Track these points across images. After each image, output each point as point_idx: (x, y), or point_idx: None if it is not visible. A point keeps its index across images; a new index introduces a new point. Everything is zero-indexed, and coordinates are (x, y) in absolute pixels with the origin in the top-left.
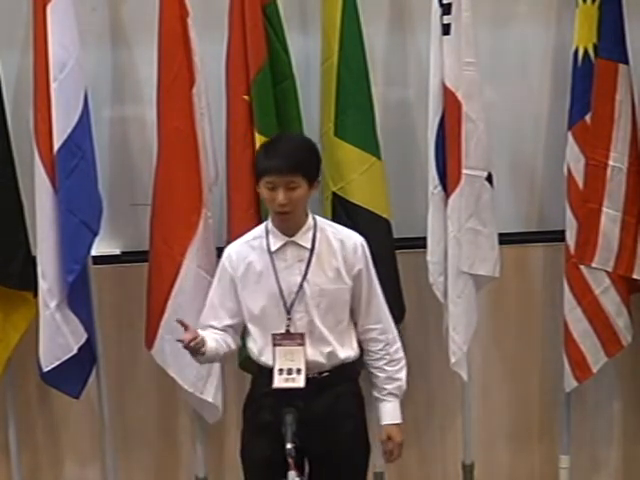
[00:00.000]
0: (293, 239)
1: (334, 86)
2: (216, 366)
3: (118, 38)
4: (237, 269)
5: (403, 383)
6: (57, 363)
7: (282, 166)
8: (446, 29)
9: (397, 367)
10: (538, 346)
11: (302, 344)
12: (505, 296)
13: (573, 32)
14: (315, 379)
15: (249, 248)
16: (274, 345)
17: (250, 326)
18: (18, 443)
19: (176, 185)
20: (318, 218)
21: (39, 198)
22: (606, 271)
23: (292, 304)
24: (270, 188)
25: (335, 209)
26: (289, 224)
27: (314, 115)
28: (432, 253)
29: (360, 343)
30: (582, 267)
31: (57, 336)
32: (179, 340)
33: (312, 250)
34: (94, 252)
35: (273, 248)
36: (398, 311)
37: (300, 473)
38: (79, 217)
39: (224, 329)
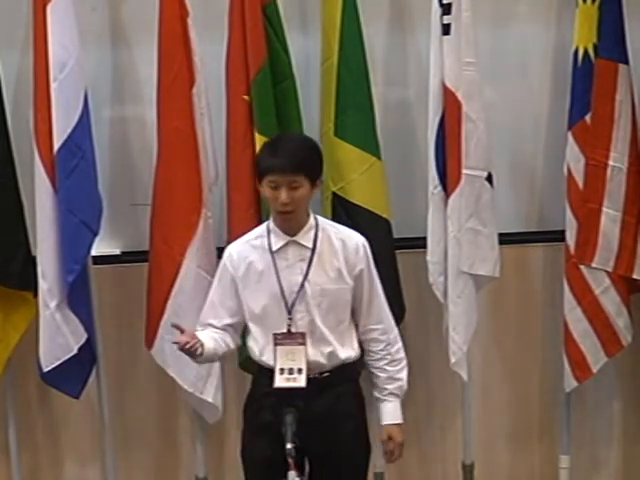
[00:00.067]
0: (295, 239)
1: (334, 86)
2: (216, 366)
3: (118, 38)
4: (238, 268)
5: (404, 383)
6: (57, 363)
7: (285, 165)
8: (446, 29)
9: (398, 367)
10: (538, 346)
11: (303, 344)
12: (505, 296)
13: (573, 32)
14: (316, 379)
15: (250, 247)
16: (275, 345)
17: (251, 325)
18: (18, 443)
19: (176, 185)
20: (320, 218)
21: (39, 198)
22: (606, 271)
23: (293, 304)
24: (273, 187)
25: (335, 209)
26: (291, 223)
27: (314, 115)
28: (432, 253)
29: (361, 343)
30: (582, 267)
31: (57, 336)
32: (175, 342)
33: (313, 250)
34: (94, 252)
35: (274, 247)
36: (398, 311)
37: (300, 473)
38: (79, 217)
39: (224, 328)
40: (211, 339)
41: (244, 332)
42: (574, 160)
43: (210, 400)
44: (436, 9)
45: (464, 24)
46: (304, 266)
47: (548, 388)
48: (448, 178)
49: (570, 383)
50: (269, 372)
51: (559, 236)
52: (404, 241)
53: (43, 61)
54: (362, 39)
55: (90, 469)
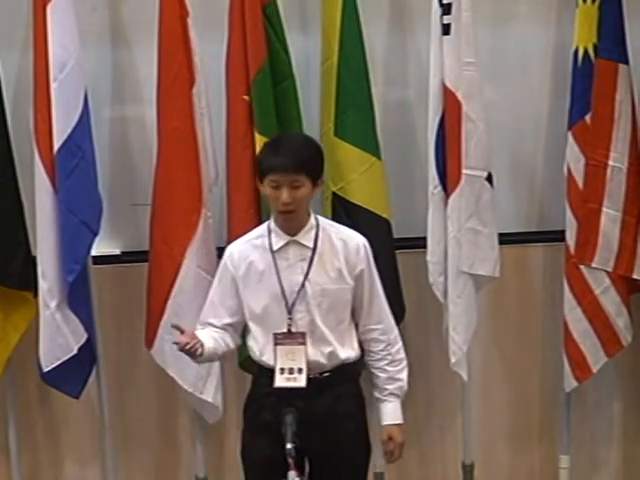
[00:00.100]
0: (295, 238)
1: (334, 86)
2: (216, 366)
3: (118, 38)
4: (238, 268)
5: (404, 383)
6: (57, 363)
7: (287, 164)
8: (446, 29)
9: (398, 367)
10: (538, 346)
11: (303, 343)
12: (505, 296)
13: (573, 32)
14: (316, 379)
15: (251, 247)
16: (275, 344)
17: (251, 325)
18: (18, 443)
19: (176, 185)
20: (320, 218)
21: (39, 198)
22: (606, 271)
23: (293, 303)
24: (274, 187)
25: (335, 209)
26: (292, 223)
27: (314, 115)
28: (432, 253)
29: (361, 343)
30: (582, 267)
31: (57, 336)
32: (175, 343)
33: (314, 250)
34: (94, 252)
35: (275, 247)
36: (398, 311)
37: (300, 473)
38: (79, 217)
39: (223, 327)
40: (211, 339)
41: (244, 332)
42: (574, 160)
43: (210, 400)
44: (436, 9)
45: (464, 24)
46: (305, 266)
47: (548, 388)
48: (448, 178)
49: (570, 383)
50: (269, 372)
51: (559, 236)
52: (404, 241)
53: (43, 61)
54: (362, 39)
55: (90, 469)
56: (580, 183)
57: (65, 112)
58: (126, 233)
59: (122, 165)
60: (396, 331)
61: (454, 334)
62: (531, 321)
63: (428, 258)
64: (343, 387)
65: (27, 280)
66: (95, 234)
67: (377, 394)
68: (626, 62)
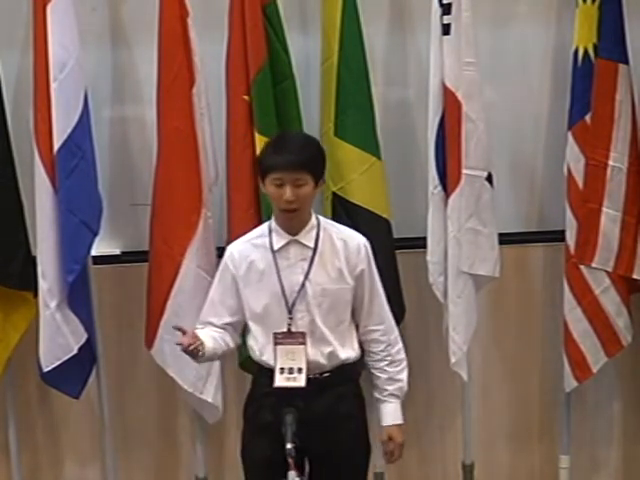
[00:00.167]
0: (296, 238)
1: (334, 86)
2: (216, 366)
3: (118, 38)
4: (239, 267)
5: (404, 384)
6: (57, 363)
7: (290, 162)
8: (446, 29)
9: (398, 368)
10: (538, 346)
11: (303, 343)
12: (505, 296)
13: (573, 32)
14: (316, 379)
15: (252, 247)
16: (275, 344)
17: (251, 324)
18: (18, 443)
19: (176, 185)
20: (321, 218)
21: (39, 198)
22: (606, 271)
23: (294, 303)
24: (277, 185)
25: (335, 209)
26: (294, 222)
27: (314, 115)
28: (432, 253)
29: (361, 344)
30: (582, 267)
31: (57, 336)
32: (178, 344)
33: (315, 249)
34: (94, 252)
35: (276, 247)
36: (398, 311)
37: (300, 473)
38: (79, 217)
39: (223, 327)
40: (211, 338)
41: (244, 332)
42: (574, 160)
43: (210, 400)
44: (436, 9)
45: (464, 24)
46: (305, 265)
47: (548, 388)
48: (448, 178)
49: (570, 383)
50: (269, 372)
51: (559, 236)
52: (404, 241)
53: (43, 61)
54: (362, 39)
55: (90, 469)
56: (580, 183)
57: (65, 112)
58: (126, 233)
59: (122, 165)
60: (396, 332)
61: (454, 334)
62: (531, 321)
63: (428, 258)
64: (343, 387)
65: (27, 280)
66: (95, 234)
67: (377, 395)
68: (626, 62)
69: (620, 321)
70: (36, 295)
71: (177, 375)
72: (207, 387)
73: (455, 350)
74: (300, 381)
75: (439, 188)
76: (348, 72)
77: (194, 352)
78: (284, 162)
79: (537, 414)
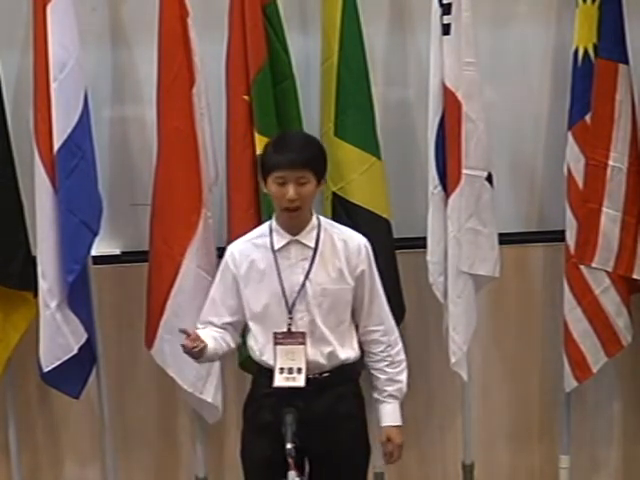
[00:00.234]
0: (297, 238)
1: (334, 86)
2: (216, 366)
3: (118, 38)
4: (240, 267)
5: (404, 385)
6: (57, 363)
7: (293, 160)
8: (446, 29)
9: (398, 369)
10: (538, 346)
11: (303, 343)
12: (505, 296)
13: (573, 32)
14: (316, 379)
15: (252, 246)
16: (275, 344)
17: (251, 324)
18: (18, 443)
19: (176, 185)
20: (322, 218)
21: (39, 198)
22: (606, 271)
23: (294, 303)
24: (280, 183)
25: (335, 209)
26: (296, 221)
27: (314, 115)
28: (432, 253)
29: (361, 344)
30: (582, 267)
31: (57, 336)
32: (182, 345)
33: (316, 249)
34: (94, 252)
35: (277, 246)
36: (398, 311)
37: (300, 473)
38: (79, 217)
39: (224, 327)
40: (212, 338)
41: (244, 331)
42: (574, 160)
43: (210, 400)
44: (436, 9)
45: (464, 24)
46: (306, 265)
47: (548, 388)
48: (448, 178)
49: (570, 383)
50: (269, 372)
51: (559, 236)
52: (404, 241)
53: (43, 61)
54: (362, 39)
55: (90, 469)
56: (580, 183)
57: (65, 112)
58: (126, 233)
59: (122, 165)
60: (396, 332)
61: (454, 334)
62: (531, 321)
63: (428, 258)
64: (343, 387)
65: (27, 280)
66: (95, 234)
67: (376, 395)
68: (626, 62)
69: (620, 321)
70: (36, 295)
71: (177, 375)
72: (207, 387)
73: (455, 350)
74: (300, 381)
75: (439, 188)
76: (348, 72)
77: (196, 354)
78: (287, 161)
79: (537, 414)
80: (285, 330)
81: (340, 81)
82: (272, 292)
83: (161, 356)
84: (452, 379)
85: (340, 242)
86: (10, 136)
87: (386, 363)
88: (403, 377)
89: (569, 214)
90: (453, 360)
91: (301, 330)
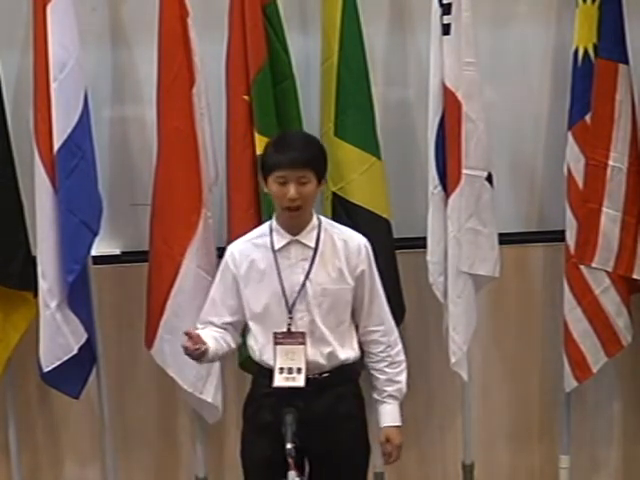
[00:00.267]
0: (297, 238)
1: (334, 86)
2: (216, 366)
3: (118, 38)
4: (240, 267)
5: (403, 386)
6: (57, 363)
7: (295, 160)
8: (446, 29)
9: (398, 369)
10: (538, 346)
11: (303, 343)
12: (505, 296)
13: (573, 32)
14: (315, 379)
15: (252, 246)
16: (275, 344)
17: (251, 324)
18: (18, 443)
19: (176, 185)
20: (322, 218)
21: (39, 198)
22: (606, 271)
23: (294, 303)
24: (281, 183)
25: (335, 209)
26: (297, 221)
27: (314, 115)
28: (432, 253)
29: (361, 345)
30: (582, 267)
31: (57, 336)
32: (184, 347)
33: (316, 249)
34: (94, 252)
35: (277, 246)
36: (398, 311)
37: (300, 473)
38: (79, 217)
39: (224, 327)
40: (212, 339)
41: (244, 331)
42: (574, 160)
43: (210, 400)
44: (436, 9)
45: (464, 24)
46: (306, 265)
47: (548, 388)
48: (448, 178)
49: (570, 383)
50: (269, 372)
51: (559, 236)
52: (404, 241)
53: (43, 61)
54: (362, 39)
55: (90, 469)
56: (580, 183)
57: (65, 112)
58: (126, 233)
59: (122, 165)
60: (396, 333)
61: (454, 334)
62: (531, 321)
63: (428, 258)
64: (343, 387)
65: (27, 280)
66: (95, 234)
67: (376, 396)
68: (626, 62)
69: (620, 321)
70: (36, 295)
71: (177, 375)
72: (207, 387)
73: (455, 350)
74: (299, 381)
75: (439, 188)
76: (348, 72)
77: (198, 356)
78: (288, 160)
79: (537, 414)
80: (285, 330)
81: (340, 81)
82: (272, 292)
83: (161, 356)
84: (452, 379)
85: (340, 242)
86: (10, 136)
87: (386, 363)
88: (403, 377)
89: (569, 214)
90: (453, 360)
91: (301, 330)
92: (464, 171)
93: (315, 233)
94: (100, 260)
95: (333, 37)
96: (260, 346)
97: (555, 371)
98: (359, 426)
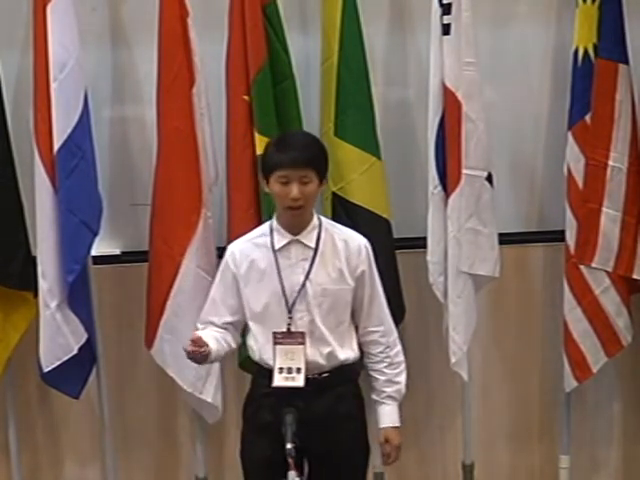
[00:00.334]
0: (298, 238)
1: (334, 86)
2: (215, 366)
3: (118, 38)
4: (240, 267)
5: (402, 387)
6: (57, 363)
7: (297, 159)
8: (446, 29)
9: (397, 370)
10: (538, 346)
11: (303, 343)
12: (505, 296)
13: (573, 32)
14: (315, 380)
15: (253, 246)
16: (275, 344)
17: (251, 324)
18: (18, 443)
19: (176, 185)
20: (323, 218)
21: (39, 198)
22: (606, 271)
23: (294, 303)
24: (283, 182)
25: (335, 209)
26: (298, 220)
27: (314, 115)
28: (432, 253)
29: (360, 345)
30: (582, 267)
31: (57, 336)
32: (187, 351)
33: (316, 249)
34: (94, 252)
35: (277, 246)
36: (398, 311)
37: (300, 473)
38: (79, 217)
39: (224, 326)
40: (213, 339)
41: (244, 331)
42: (574, 160)
43: (209, 400)
44: (436, 9)
45: (464, 24)
46: (306, 265)
47: (548, 388)
48: (448, 178)
49: (570, 383)
50: (268, 372)
51: (559, 236)
52: (404, 241)
53: (43, 61)
54: (362, 39)
55: (90, 469)
56: (580, 183)
57: (65, 112)
58: (126, 233)
59: (122, 165)
60: (395, 334)
61: (454, 334)
62: (531, 321)
63: (428, 258)
64: (343, 388)
65: (27, 280)
66: (95, 234)
67: (375, 396)
68: (626, 62)
69: (620, 321)
70: (36, 295)
71: (177, 375)
72: (207, 387)
73: (455, 350)
74: (299, 381)
75: (439, 188)
76: (348, 72)
77: (200, 359)
78: (290, 160)
79: (537, 414)
80: (285, 330)
81: (340, 81)
82: (272, 292)
83: (161, 356)
84: (452, 379)
85: (341, 242)
86: (10, 136)
87: (385, 364)
88: (402, 378)
89: (569, 214)
90: (453, 360)
91: (301, 330)
92: (464, 171)
93: (315, 233)
94: (100, 260)
95: (333, 37)
96: (260, 346)
97: (555, 371)
98: (359, 426)
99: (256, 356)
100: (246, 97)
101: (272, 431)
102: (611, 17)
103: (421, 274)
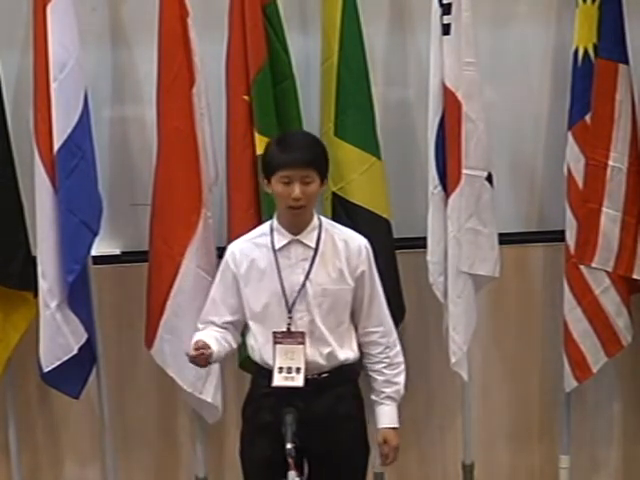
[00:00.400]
0: (298, 238)
1: (334, 86)
2: (215, 366)
3: (118, 38)
4: (240, 266)
5: (401, 387)
6: (57, 363)
7: (299, 159)
8: (446, 29)
9: (396, 371)
10: (538, 346)
11: (302, 343)
12: (505, 296)
13: (573, 32)
14: (315, 380)
15: (253, 245)
16: (275, 343)
17: (251, 324)
18: (18, 443)
19: (176, 185)
20: (323, 219)
21: (39, 198)
22: (606, 271)
23: (294, 303)
24: (285, 182)
25: (335, 209)
26: (299, 219)
27: (314, 115)
28: (432, 253)
29: (360, 346)
30: (582, 267)
31: (57, 336)
32: (189, 355)
33: (316, 250)
34: (94, 252)
35: (278, 246)
36: (398, 311)
37: (300, 473)
38: (79, 217)
39: (224, 326)
40: (214, 340)
41: (244, 331)
42: (574, 160)
43: (209, 400)
44: (436, 9)
45: (464, 24)
46: (306, 265)
47: (548, 388)
48: (448, 178)
49: (570, 383)
50: (268, 372)
51: (559, 236)
52: (404, 241)
53: (43, 61)
54: (362, 39)
55: (90, 469)
56: (580, 183)
57: (65, 112)
58: (126, 233)
59: (122, 165)
60: (395, 334)
61: (454, 334)
62: (531, 321)
63: (428, 258)
64: (342, 388)
65: (27, 280)
66: (95, 234)
67: (374, 397)
68: (626, 62)
69: (620, 321)
70: (36, 295)
71: (177, 375)
72: (207, 387)
73: (455, 350)
74: (298, 381)
75: (439, 188)
76: (348, 72)
77: (203, 362)
78: (292, 160)
79: (537, 414)
80: (284, 330)
81: (340, 81)
82: (272, 291)
83: (161, 356)
84: (452, 379)
85: (341, 242)
86: (10, 136)
87: (384, 365)
88: (401, 379)
89: (569, 214)
90: (453, 360)
91: (300, 330)
92: (464, 171)
93: (316, 233)
94: (100, 260)
95: (333, 37)
96: (260, 346)
97: (555, 371)
98: (358, 426)
99: (256, 356)
100: (246, 97)
101: (272, 431)
102: (611, 17)
103: (421, 274)
